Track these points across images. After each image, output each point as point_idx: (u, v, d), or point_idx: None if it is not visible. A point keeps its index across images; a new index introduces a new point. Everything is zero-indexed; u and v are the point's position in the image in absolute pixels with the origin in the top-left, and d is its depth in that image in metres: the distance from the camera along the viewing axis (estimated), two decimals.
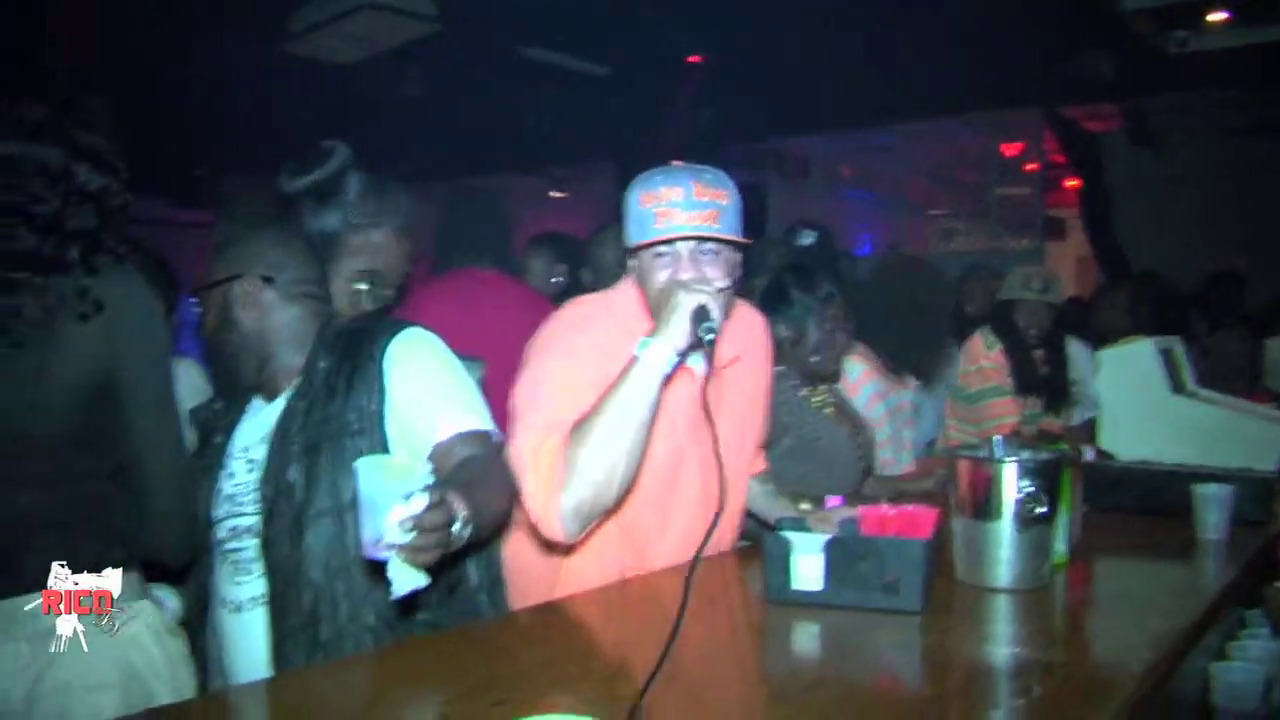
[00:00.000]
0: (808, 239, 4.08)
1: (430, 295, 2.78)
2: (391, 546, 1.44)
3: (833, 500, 2.21)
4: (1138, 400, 3.87)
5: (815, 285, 2.98)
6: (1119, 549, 2.36)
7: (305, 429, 1.86)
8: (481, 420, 1.89)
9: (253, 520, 1.89)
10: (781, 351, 2.97)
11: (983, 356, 3.97)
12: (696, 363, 1.99)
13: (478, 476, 1.74)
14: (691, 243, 1.91)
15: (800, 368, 2.98)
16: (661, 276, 1.93)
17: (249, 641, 1.86)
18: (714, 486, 1.70)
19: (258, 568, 1.87)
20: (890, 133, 9.94)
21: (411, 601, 1.62)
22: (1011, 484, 1.88)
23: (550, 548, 1.97)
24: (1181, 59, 7.28)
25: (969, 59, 7.01)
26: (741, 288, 2.12)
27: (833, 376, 3.11)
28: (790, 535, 1.85)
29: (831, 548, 1.81)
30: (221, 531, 1.93)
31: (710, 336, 1.78)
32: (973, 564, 1.94)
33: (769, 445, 2.48)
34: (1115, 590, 2.17)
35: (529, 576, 2.07)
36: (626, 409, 1.77)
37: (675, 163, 1.97)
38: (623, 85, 8.91)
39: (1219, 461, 2.86)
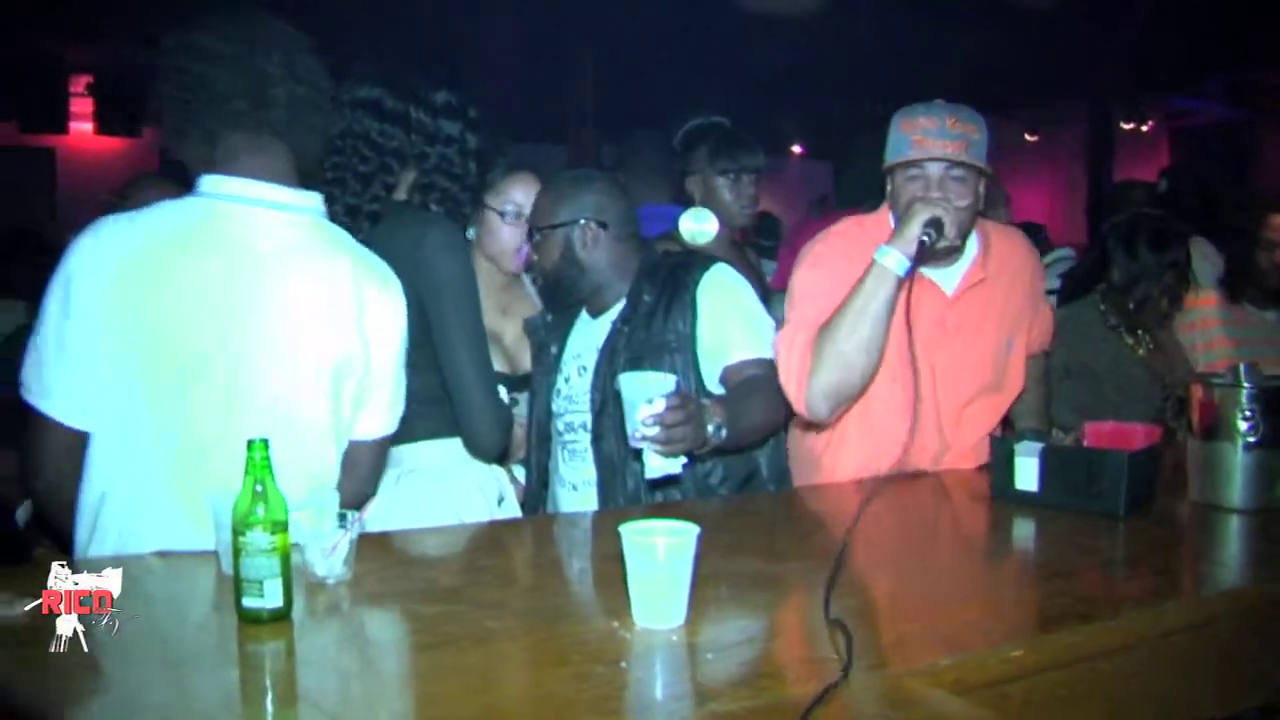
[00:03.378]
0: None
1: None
2: (644, 439, 1.92)
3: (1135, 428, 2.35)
4: None
5: (1166, 247, 3.01)
6: None
7: (630, 346, 2.30)
8: (767, 348, 2.29)
9: (585, 417, 2.36)
10: (1109, 290, 3.07)
11: None
12: (947, 282, 2.27)
13: (749, 392, 2.19)
14: (941, 165, 2.18)
15: (1119, 312, 3.08)
16: (910, 194, 2.20)
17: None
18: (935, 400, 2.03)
19: (589, 456, 2.35)
20: None
21: (666, 483, 2.07)
22: (1232, 408, 1.99)
23: (817, 435, 2.35)
24: None
25: None
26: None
27: (1152, 324, 3.13)
28: (1013, 442, 2.10)
29: (1046, 454, 2.04)
30: (559, 424, 2.43)
31: (928, 241, 2.07)
32: (1200, 482, 2.08)
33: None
34: None
35: (806, 462, 2.47)
36: (864, 305, 2.11)
37: (938, 100, 2.24)
38: (1081, 20, 8.57)
39: None
